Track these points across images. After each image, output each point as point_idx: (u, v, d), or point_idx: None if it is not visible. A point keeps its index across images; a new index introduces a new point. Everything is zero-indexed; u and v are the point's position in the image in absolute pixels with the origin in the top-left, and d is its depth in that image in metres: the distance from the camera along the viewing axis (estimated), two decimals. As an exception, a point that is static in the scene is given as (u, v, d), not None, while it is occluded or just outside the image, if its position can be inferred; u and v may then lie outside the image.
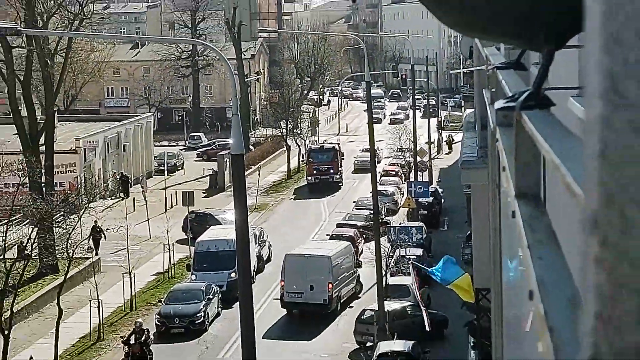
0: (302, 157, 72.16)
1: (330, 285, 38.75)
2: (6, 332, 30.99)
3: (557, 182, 2.67)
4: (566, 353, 1.55)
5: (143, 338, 32.47)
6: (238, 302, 19.70)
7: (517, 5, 2.73)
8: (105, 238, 46.09)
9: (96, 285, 38.20)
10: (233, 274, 39.29)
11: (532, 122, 2.76)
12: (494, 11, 2.78)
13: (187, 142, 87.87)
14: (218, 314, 38.77)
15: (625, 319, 0.91)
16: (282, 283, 39.34)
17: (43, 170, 46.06)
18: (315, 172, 65.57)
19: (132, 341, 32.29)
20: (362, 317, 36.10)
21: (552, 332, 1.68)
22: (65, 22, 51.98)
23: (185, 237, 49.31)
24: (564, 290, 1.88)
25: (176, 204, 55.47)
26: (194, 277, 41.79)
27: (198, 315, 36.92)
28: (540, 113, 2.91)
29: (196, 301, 37.52)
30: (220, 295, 39.24)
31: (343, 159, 70.12)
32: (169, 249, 45.72)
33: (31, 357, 32.84)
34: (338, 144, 72.04)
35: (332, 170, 65.78)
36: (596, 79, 0.92)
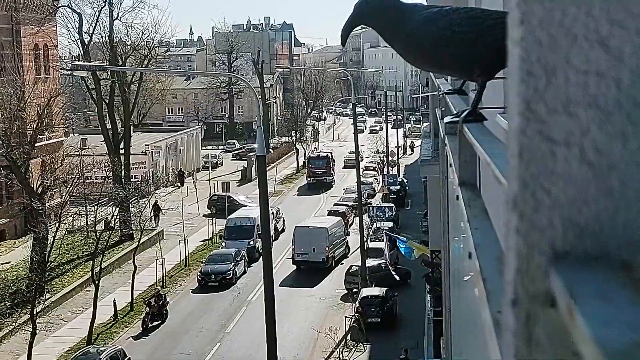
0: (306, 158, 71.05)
1: (327, 249, 38.75)
2: (97, 282, 31.02)
3: (488, 174, 2.67)
4: (495, 296, 1.56)
5: (161, 302, 32.24)
6: (257, 261, 19.75)
7: (461, 53, 2.75)
8: (162, 213, 46.11)
9: (160, 248, 38.26)
10: (252, 242, 39.59)
11: (471, 131, 2.76)
12: (444, 56, 2.79)
13: (225, 146, 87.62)
14: (245, 272, 38.70)
15: (535, 272, 0.91)
16: (293, 247, 39.35)
17: (122, 167, 46.06)
18: (313, 174, 62.84)
19: (153, 303, 32.06)
20: (350, 271, 36.11)
21: (485, 282, 1.68)
22: (138, 61, 51.88)
23: (210, 212, 50.71)
24: (493, 252, 1.88)
25: (217, 191, 55.42)
26: (224, 244, 41.54)
27: (228, 272, 36.72)
28: (477, 125, 2.91)
29: (227, 262, 37.28)
30: (246, 258, 39.08)
31: (335, 163, 66.43)
32: (212, 222, 45.68)
33: (114, 301, 32.88)
34: (331, 152, 68.59)
35: (326, 173, 62.90)
36: (515, 101, 0.92)
